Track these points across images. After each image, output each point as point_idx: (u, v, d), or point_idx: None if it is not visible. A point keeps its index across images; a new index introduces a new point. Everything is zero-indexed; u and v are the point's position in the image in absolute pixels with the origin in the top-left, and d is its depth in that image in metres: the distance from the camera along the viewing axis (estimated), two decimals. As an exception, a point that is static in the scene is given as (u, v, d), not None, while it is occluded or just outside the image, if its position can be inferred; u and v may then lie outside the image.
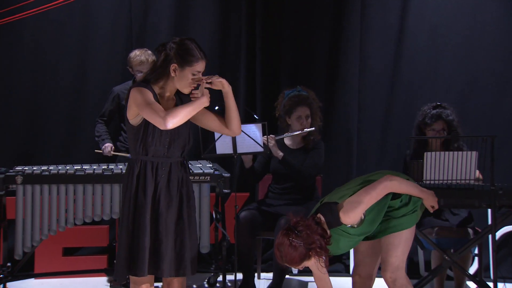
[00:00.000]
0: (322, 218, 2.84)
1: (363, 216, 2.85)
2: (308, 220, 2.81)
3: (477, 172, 3.87)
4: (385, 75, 5.02)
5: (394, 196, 2.97)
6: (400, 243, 2.95)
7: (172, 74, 2.80)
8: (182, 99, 2.90)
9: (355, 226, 2.85)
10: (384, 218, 2.98)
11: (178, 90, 2.88)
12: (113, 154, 4.47)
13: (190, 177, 2.95)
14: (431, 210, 3.05)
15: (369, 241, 3.04)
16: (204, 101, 2.80)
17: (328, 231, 2.84)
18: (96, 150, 4.50)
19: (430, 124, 4.06)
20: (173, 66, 2.80)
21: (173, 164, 2.84)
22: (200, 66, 2.80)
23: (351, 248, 2.97)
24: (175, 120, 2.71)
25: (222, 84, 2.84)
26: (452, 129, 4.02)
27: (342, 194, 2.91)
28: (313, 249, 2.76)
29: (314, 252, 2.76)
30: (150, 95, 2.77)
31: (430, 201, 3.02)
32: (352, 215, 2.81)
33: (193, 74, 2.79)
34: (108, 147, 4.46)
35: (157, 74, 2.82)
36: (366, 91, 5.04)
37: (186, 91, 2.85)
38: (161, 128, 2.71)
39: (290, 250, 2.75)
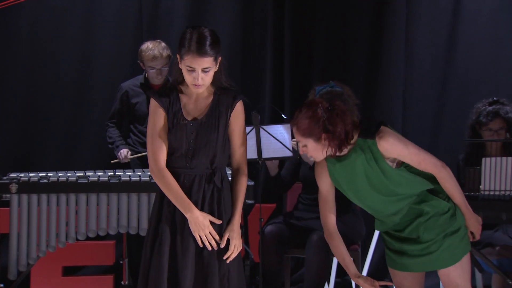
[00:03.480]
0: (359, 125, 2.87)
1: (396, 164, 2.83)
2: (347, 113, 2.83)
3: None
4: (435, 67, 4.98)
5: (433, 191, 2.93)
6: (461, 267, 2.94)
7: (180, 66, 2.84)
8: (220, 98, 2.88)
9: (384, 155, 2.82)
10: (433, 244, 2.94)
11: (221, 86, 2.88)
12: (131, 158, 4.50)
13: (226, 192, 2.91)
14: (471, 238, 2.97)
15: (414, 274, 3.01)
16: (192, 228, 2.80)
17: (355, 138, 2.84)
18: (113, 161, 4.53)
19: (485, 123, 3.97)
20: (178, 56, 2.84)
21: (197, 177, 2.85)
22: (191, 61, 2.75)
23: (351, 190, 2.91)
24: (156, 181, 2.83)
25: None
26: None
27: None
28: (329, 132, 2.77)
29: (327, 137, 2.77)
30: (159, 118, 2.83)
31: (473, 226, 2.95)
32: (390, 141, 2.80)
33: (188, 70, 2.78)
34: (123, 152, 4.49)
35: (180, 70, 2.85)
36: (413, 85, 5.01)
37: (192, 89, 2.85)
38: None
39: (308, 114, 2.79)
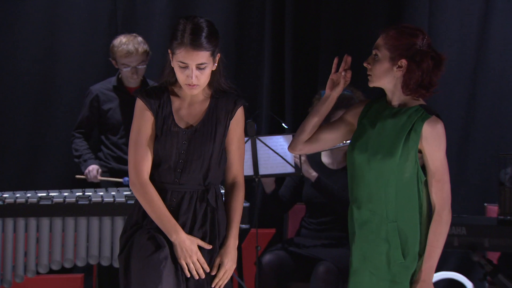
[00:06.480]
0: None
1: (419, 157, 2.86)
2: (443, 68, 2.92)
3: None
4: (464, 68, 5.00)
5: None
6: None
7: (172, 63, 2.85)
8: (218, 103, 2.88)
9: (421, 138, 2.84)
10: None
11: (220, 89, 2.89)
12: (101, 180, 4.49)
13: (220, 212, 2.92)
14: None
15: None
16: (178, 254, 2.81)
17: (416, 102, 2.90)
18: (77, 176, 4.52)
19: None
20: (169, 51, 2.83)
21: (187, 195, 2.86)
22: (184, 55, 2.75)
23: (365, 135, 2.95)
24: (137, 197, 2.84)
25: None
26: None
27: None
28: (413, 63, 2.81)
29: (405, 67, 2.81)
30: (145, 123, 2.85)
31: None
32: (438, 132, 2.86)
33: (180, 67, 2.78)
34: (93, 170, 4.49)
35: (172, 69, 2.86)
36: (438, 88, 4.98)
37: (185, 89, 2.85)
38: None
39: (409, 31, 2.83)
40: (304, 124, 2.99)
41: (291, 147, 3.05)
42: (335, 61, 2.97)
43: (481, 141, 4.96)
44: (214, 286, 2.84)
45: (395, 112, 2.88)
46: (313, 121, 2.98)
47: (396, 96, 2.89)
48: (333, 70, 2.97)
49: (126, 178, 4.36)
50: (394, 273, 2.87)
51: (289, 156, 3.91)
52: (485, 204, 4.50)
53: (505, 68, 4.96)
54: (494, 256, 4.22)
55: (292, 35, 5.07)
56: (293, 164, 3.94)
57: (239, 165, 2.94)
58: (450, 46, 5.01)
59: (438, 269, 4.70)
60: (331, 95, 2.97)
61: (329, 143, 3.06)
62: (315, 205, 4.15)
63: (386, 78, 2.87)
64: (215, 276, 2.85)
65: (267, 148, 3.92)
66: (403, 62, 2.82)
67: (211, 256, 2.86)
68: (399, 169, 2.84)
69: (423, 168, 2.87)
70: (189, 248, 2.79)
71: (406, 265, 2.86)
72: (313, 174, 4.07)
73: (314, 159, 4.17)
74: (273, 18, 5.10)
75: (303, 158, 4.03)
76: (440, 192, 2.85)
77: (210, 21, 2.83)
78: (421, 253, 2.87)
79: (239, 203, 2.92)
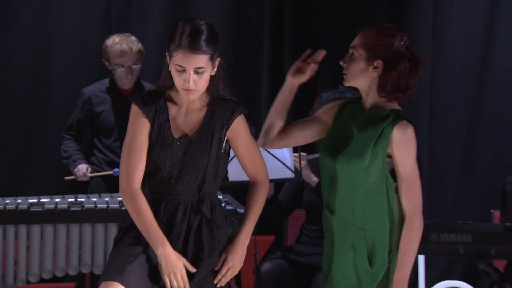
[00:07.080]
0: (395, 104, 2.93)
1: (388, 162, 2.84)
2: (420, 72, 2.88)
3: None
4: (470, 68, 5.01)
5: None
6: None
7: (169, 67, 2.83)
8: (214, 111, 2.86)
9: (391, 143, 2.82)
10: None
11: (218, 96, 2.87)
12: (90, 176, 4.49)
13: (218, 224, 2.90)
14: None
15: None
16: (162, 268, 2.79)
17: (389, 105, 2.88)
18: (66, 178, 4.53)
19: None
20: (167, 54, 2.81)
21: (181, 206, 2.85)
22: (181, 58, 2.73)
23: (333, 138, 2.96)
24: (126, 205, 2.83)
25: None
26: None
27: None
28: (388, 65, 2.79)
29: (381, 68, 2.80)
30: (140, 129, 2.83)
31: None
32: (408, 137, 2.82)
33: (177, 70, 2.76)
34: (82, 168, 4.50)
35: (169, 73, 2.84)
36: (442, 90, 5.00)
37: (182, 95, 2.83)
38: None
39: (387, 32, 2.83)
40: (269, 114, 3.02)
41: (260, 142, 3.04)
42: (307, 52, 2.98)
43: (487, 145, 4.98)
44: (216, 283, 2.84)
45: (367, 114, 2.87)
46: (274, 110, 3.00)
47: (370, 98, 2.88)
48: (301, 58, 2.97)
49: (116, 169, 4.36)
50: (361, 282, 2.86)
51: (289, 160, 3.89)
52: (492, 211, 4.49)
53: (511, 69, 4.95)
54: (500, 264, 4.20)
55: (292, 35, 5.08)
56: (292, 169, 3.93)
57: (254, 166, 2.94)
58: (454, 47, 5.02)
59: (443, 278, 4.72)
60: (293, 82, 2.99)
61: (301, 140, 3.07)
62: (316, 211, 4.13)
63: (361, 78, 2.86)
64: (218, 271, 2.85)
65: (266, 152, 3.90)
66: (379, 62, 2.81)
67: (212, 270, 2.86)
68: (367, 174, 2.83)
69: (393, 173, 2.85)
70: (174, 264, 2.78)
71: (373, 273, 2.85)
72: (313, 179, 4.06)
73: (314, 164, 4.14)
74: (272, 18, 5.11)
75: (303, 163, 4.02)
76: (411, 198, 2.83)
77: (210, 24, 2.81)
78: (390, 261, 2.85)
79: (255, 201, 2.94)
